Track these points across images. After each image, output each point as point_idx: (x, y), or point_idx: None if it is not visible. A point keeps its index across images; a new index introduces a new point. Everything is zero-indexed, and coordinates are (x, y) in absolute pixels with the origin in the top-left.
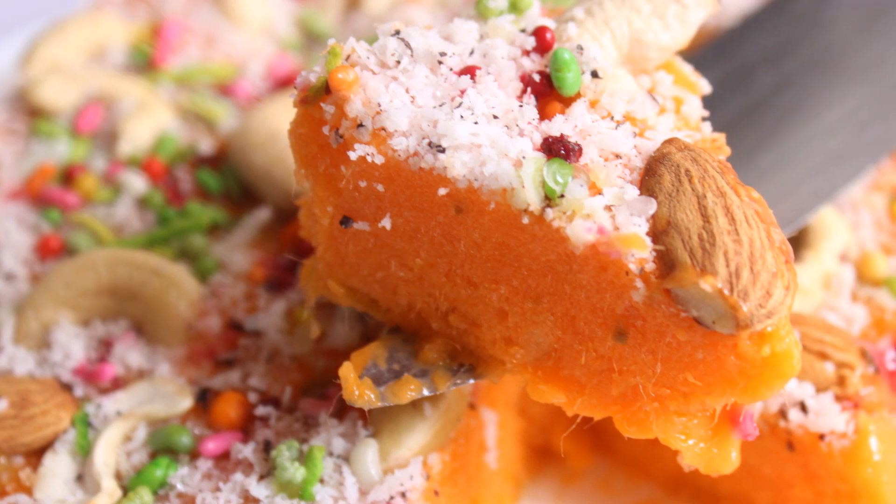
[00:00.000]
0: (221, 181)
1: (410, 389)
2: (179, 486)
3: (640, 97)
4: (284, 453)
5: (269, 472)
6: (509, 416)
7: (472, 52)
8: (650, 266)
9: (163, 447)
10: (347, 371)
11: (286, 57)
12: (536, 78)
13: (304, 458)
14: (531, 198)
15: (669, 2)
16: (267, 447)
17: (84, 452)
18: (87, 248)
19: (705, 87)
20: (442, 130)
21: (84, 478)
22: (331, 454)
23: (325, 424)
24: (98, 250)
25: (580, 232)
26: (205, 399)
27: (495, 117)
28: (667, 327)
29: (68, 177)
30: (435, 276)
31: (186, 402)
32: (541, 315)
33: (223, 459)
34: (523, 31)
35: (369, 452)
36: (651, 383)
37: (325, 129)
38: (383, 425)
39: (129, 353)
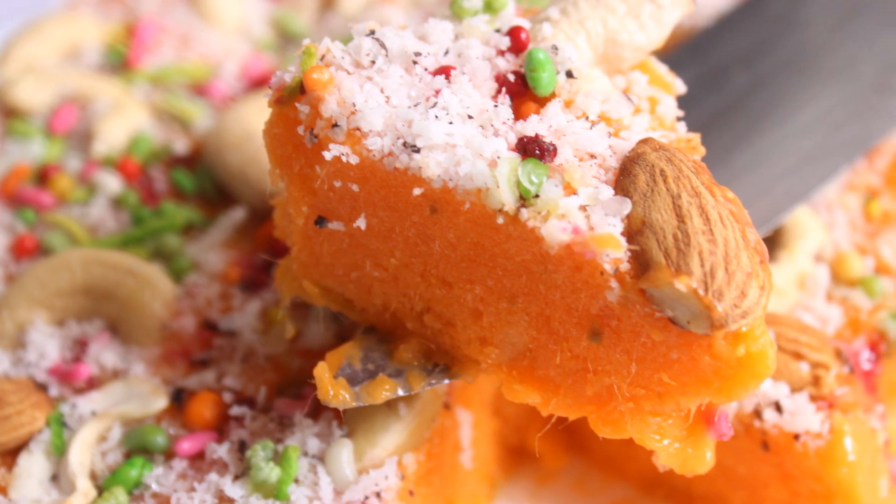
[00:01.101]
0: (196, 181)
1: (385, 389)
2: (154, 486)
3: (615, 97)
4: (259, 453)
5: (243, 472)
6: (484, 416)
7: (446, 52)
8: (625, 266)
9: (138, 447)
10: (322, 371)
11: (261, 57)
12: (511, 78)
13: (278, 458)
14: (506, 198)
15: (644, 2)
16: (242, 447)
17: (59, 452)
18: (62, 248)
19: (680, 87)
20: (417, 130)
21: (59, 478)
22: (306, 454)
23: (300, 424)
24: (73, 250)
25: (555, 232)
26: (179, 399)
27: (470, 117)
28: (642, 327)
29: (43, 177)
30: (410, 276)
31: (161, 402)
32: (515, 315)
33: (198, 459)
34: (498, 31)
35: (344, 452)
36: (626, 383)
37: (300, 129)
38: (358, 425)
39: (104, 353)
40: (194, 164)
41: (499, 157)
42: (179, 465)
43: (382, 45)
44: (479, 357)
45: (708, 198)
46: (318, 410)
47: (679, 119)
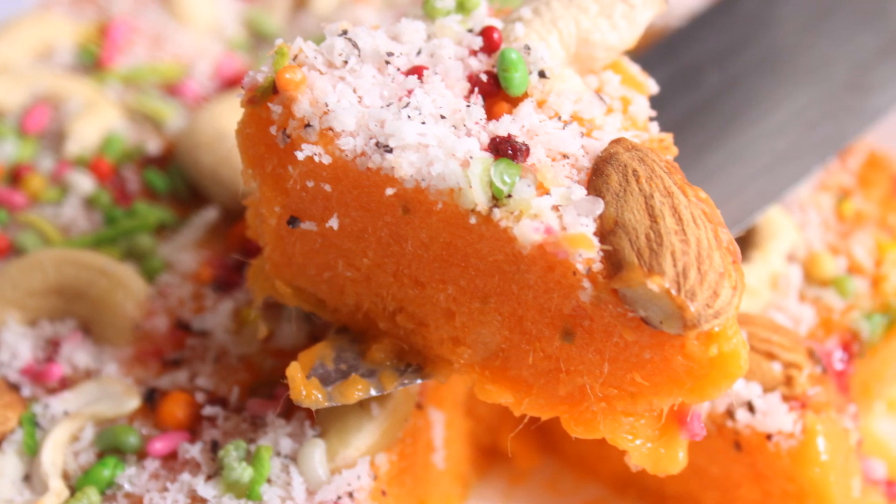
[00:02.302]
0: (168, 181)
1: (358, 389)
2: (127, 486)
3: (588, 97)
4: (232, 453)
5: (216, 472)
6: (457, 416)
7: (419, 52)
8: (597, 266)
9: (110, 447)
10: (295, 371)
11: (233, 57)
12: (484, 78)
13: (251, 458)
14: (478, 198)
15: (617, 1)
16: (214, 447)
17: (31, 452)
18: (35, 248)
19: (653, 86)
20: (389, 130)
21: (32, 478)
22: (278, 454)
23: (273, 424)
24: (45, 250)
25: (527, 232)
26: (152, 399)
27: (443, 117)
28: (614, 327)
29: (15, 177)
30: (382, 276)
31: (134, 402)
32: (488, 315)
33: (170, 459)
34: (471, 31)
35: (317, 452)
36: (598, 383)
37: (273, 129)
38: (331, 425)
39: (77, 353)
40: (167, 164)
41: (471, 157)
42: (152, 465)
43: (355, 45)
44: (452, 357)
45: (681, 198)
46: (290, 410)
47: (651, 119)
